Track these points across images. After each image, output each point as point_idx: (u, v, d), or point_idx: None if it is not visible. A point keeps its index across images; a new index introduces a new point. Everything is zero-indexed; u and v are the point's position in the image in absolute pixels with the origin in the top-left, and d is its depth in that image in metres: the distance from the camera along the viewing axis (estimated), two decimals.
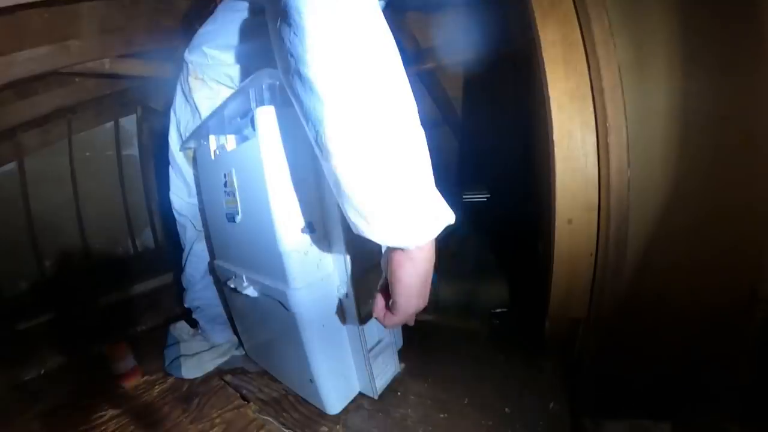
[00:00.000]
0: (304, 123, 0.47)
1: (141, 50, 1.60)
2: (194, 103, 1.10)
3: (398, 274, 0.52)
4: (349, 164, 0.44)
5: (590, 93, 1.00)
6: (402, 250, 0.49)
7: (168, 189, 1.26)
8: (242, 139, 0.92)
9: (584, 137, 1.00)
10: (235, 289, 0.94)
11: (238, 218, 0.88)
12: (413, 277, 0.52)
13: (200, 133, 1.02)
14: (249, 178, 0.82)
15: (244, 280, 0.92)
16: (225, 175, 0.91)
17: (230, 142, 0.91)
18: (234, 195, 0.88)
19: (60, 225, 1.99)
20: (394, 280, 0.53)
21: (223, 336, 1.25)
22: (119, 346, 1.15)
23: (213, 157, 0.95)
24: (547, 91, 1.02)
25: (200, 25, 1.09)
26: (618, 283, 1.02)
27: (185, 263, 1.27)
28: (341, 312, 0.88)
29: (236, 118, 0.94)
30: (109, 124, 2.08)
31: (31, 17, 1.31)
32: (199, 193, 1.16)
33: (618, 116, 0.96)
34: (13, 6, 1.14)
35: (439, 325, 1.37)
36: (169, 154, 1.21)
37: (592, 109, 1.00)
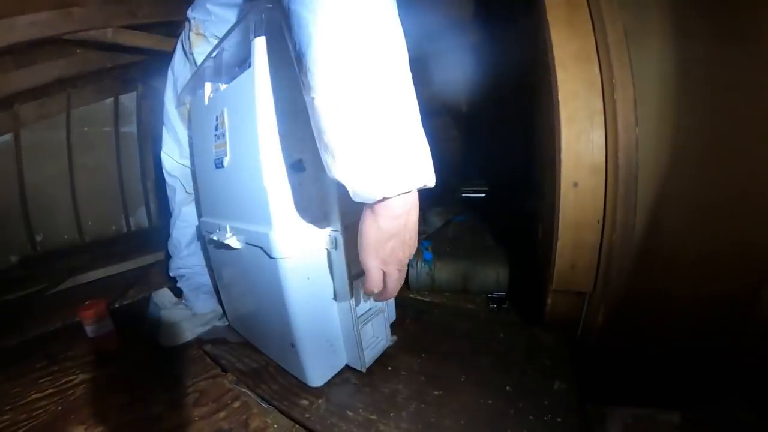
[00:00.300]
0: (291, 54, 0.46)
1: (145, 22, 1.60)
2: (194, 59, 1.08)
3: (360, 228, 0.51)
4: (328, 98, 0.43)
5: (595, 53, 0.96)
6: (369, 204, 0.48)
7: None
8: (237, 71, 0.89)
9: (590, 97, 0.96)
10: (218, 242, 0.89)
11: (227, 160, 0.84)
12: (370, 236, 0.50)
13: (196, 82, 0.99)
14: (240, 114, 0.78)
15: (228, 231, 0.86)
16: (217, 118, 0.87)
17: (225, 76, 0.87)
18: (224, 136, 0.84)
19: (53, 200, 1.96)
20: (358, 234, 0.52)
21: (206, 305, 1.19)
22: (95, 305, 1.08)
23: (207, 102, 0.91)
24: (552, 53, 0.98)
25: None
26: (627, 253, 0.96)
27: (172, 228, 1.22)
28: (329, 266, 0.82)
29: (234, 67, 0.91)
30: (109, 101, 2.06)
31: None
32: (191, 146, 1.12)
33: (624, 73, 0.92)
34: None
35: (434, 302, 1.30)
36: (164, 113, 1.18)
37: (597, 69, 0.96)
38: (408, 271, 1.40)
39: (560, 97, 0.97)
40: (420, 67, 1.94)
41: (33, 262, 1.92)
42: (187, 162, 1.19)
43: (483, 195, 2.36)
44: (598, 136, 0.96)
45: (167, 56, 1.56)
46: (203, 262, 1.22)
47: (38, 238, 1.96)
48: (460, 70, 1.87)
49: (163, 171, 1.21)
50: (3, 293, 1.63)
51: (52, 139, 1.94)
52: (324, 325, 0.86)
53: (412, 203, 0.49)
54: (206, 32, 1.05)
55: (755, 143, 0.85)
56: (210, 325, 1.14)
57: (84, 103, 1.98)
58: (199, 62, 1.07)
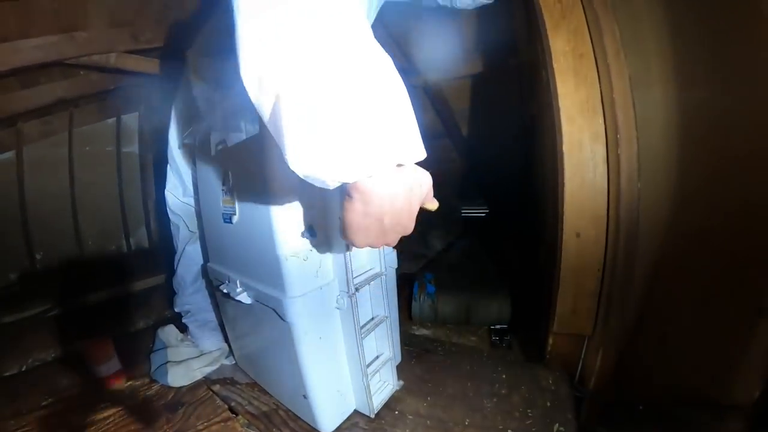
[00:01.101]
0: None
1: (148, 47, 1.58)
2: (195, 100, 1.08)
3: (340, 211, 0.44)
4: (252, 74, 0.36)
5: (600, 104, 0.98)
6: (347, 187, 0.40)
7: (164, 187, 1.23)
8: (245, 135, 0.90)
9: (594, 149, 0.98)
10: (228, 295, 0.90)
11: (235, 218, 0.85)
12: (349, 220, 0.43)
13: (201, 128, 0.99)
14: (250, 177, 0.79)
15: (238, 285, 0.87)
16: (224, 174, 0.88)
17: (232, 138, 0.87)
18: (232, 194, 0.85)
19: (54, 218, 1.95)
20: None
21: (213, 343, 1.20)
22: (103, 345, 1.08)
23: (213, 152, 0.92)
24: (557, 103, 1.00)
25: (205, 23, 1.08)
26: (626, 299, 0.99)
27: (177, 265, 1.23)
28: (340, 324, 0.84)
29: (239, 114, 0.92)
30: (111, 120, 2.05)
31: (39, 5, 1.30)
32: (196, 193, 1.12)
33: (629, 127, 0.94)
34: None
35: (438, 339, 1.33)
36: (168, 151, 1.18)
37: (602, 120, 0.98)
38: (411, 304, 1.42)
39: (565, 148, 0.99)
40: (421, 91, 1.95)
41: (32, 279, 1.91)
42: (190, 200, 1.19)
43: (483, 214, 2.39)
44: (601, 188, 0.98)
45: (170, 78, 1.57)
46: (208, 299, 1.22)
47: (38, 256, 1.95)
48: (461, 95, 1.88)
49: (167, 209, 1.21)
50: (2, 314, 1.62)
51: (54, 157, 1.92)
52: (335, 377, 0.88)
53: (400, 182, 0.40)
54: (205, 75, 1.05)
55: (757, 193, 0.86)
56: (217, 364, 1.16)
57: (86, 122, 1.97)
58: (200, 104, 1.07)
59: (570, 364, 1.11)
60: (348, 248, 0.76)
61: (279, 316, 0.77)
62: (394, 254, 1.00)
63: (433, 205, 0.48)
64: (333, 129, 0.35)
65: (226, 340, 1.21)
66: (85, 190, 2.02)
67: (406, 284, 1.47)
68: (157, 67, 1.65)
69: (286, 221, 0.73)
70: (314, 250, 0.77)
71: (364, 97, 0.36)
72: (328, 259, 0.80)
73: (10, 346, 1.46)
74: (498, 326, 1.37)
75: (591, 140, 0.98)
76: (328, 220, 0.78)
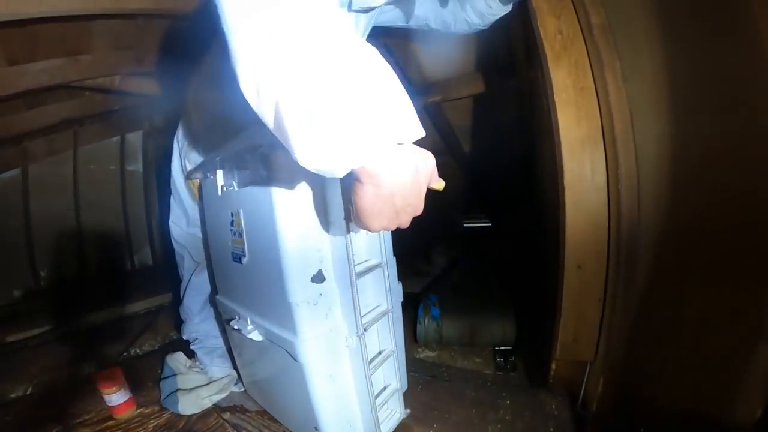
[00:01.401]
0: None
1: (151, 70, 1.60)
2: (195, 132, 1.09)
3: (352, 197, 0.45)
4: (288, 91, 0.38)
5: (602, 138, 1.01)
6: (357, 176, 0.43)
7: (168, 213, 1.23)
8: (252, 176, 0.91)
9: (595, 183, 1.01)
10: (238, 330, 0.92)
11: (245, 260, 0.87)
12: (361, 205, 0.44)
13: (207, 166, 1.01)
14: (259, 223, 0.80)
15: (249, 323, 0.89)
16: (232, 214, 0.90)
17: (239, 177, 0.89)
18: (241, 236, 0.87)
19: (58, 236, 1.97)
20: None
21: (221, 370, 1.22)
22: (112, 374, 1.09)
23: (220, 193, 0.93)
24: (559, 137, 1.03)
25: (209, 53, 1.08)
26: (626, 327, 1.01)
27: (183, 295, 1.24)
28: (349, 361, 0.86)
29: (245, 154, 0.93)
30: (115, 139, 2.07)
31: (45, 31, 1.32)
32: (203, 224, 1.14)
33: (629, 162, 0.97)
34: (29, 19, 1.13)
35: (443, 363, 1.35)
36: (171, 182, 1.19)
37: (603, 154, 1.00)
38: (416, 327, 1.44)
39: (566, 182, 1.02)
40: (422, 110, 1.97)
41: (36, 296, 1.92)
42: (195, 231, 1.20)
43: (485, 226, 2.41)
44: (602, 221, 1.01)
45: (174, 98, 1.58)
46: (216, 327, 1.24)
47: (42, 273, 1.96)
48: (462, 113, 1.90)
49: (172, 239, 1.22)
50: (7, 333, 1.63)
51: (58, 175, 1.94)
52: (345, 410, 0.90)
53: (405, 162, 0.42)
54: (204, 112, 1.07)
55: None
56: (227, 392, 1.17)
57: (91, 140, 1.98)
58: (201, 137, 1.08)
59: (573, 387, 1.14)
60: (355, 288, 0.77)
61: (291, 356, 0.79)
62: (400, 288, 1.02)
63: (439, 184, 0.49)
64: (331, 122, 0.38)
65: (235, 366, 1.22)
66: (89, 208, 2.03)
67: (409, 304, 1.49)
68: (162, 89, 1.66)
69: (297, 268, 0.75)
70: (324, 294, 0.79)
71: (356, 87, 0.39)
72: (336, 300, 0.82)
73: (15, 366, 1.47)
74: (502, 347, 1.39)
75: (592, 174, 1.01)
76: (335, 265, 0.80)
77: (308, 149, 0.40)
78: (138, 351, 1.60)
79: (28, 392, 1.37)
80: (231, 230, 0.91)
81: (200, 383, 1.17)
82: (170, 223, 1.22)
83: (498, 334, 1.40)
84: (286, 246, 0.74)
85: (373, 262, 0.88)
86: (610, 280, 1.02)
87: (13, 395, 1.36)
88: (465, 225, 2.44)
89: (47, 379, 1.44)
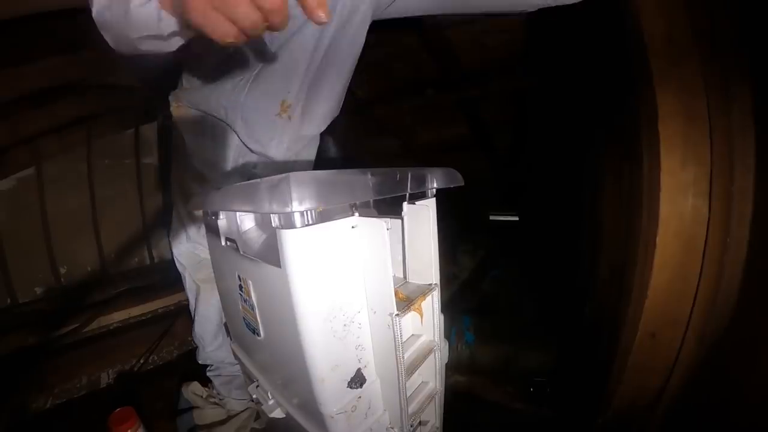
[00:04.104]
0: None
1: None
2: (190, 159, 0.92)
3: None
4: None
5: (708, 191, 0.79)
6: None
7: None
8: (259, 230, 0.72)
9: (692, 243, 0.81)
10: (256, 401, 0.81)
11: (261, 336, 0.72)
12: None
13: (206, 201, 0.81)
14: (274, 306, 0.64)
15: (269, 397, 0.78)
16: (240, 278, 0.74)
17: (243, 239, 0.71)
18: (253, 309, 0.71)
19: (76, 232, 1.90)
20: None
21: (240, 402, 1.15)
22: (127, 416, 1.02)
23: (223, 243, 0.76)
24: (659, 180, 0.81)
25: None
26: (690, 407, 0.90)
27: (194, 322, 1.13)
28: None
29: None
30: (129, 132, 1.95)
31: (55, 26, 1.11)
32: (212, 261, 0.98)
33: (742, 229, 0.77)
34: (36, 14, 0.98)
35: (475, 395, 1.26)
36: (171, 194, 1.02)
37: (707, 212, 0.80)
38: (449, 353, 1.35)
39: (658, 240, 0.82)
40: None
41: (57, 294, 1.88)
42: (194, 247, 1.05)
43: (513, 220, 2.26)
44: (691, 290, 0.83)
45: None
46: (231, 354, 1.15)
47: (62, 271, 1.91)
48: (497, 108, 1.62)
49: (174, 258, 1.09)
50: (30, 334, 1.58)
51: (73, 171, 1.84)
52: None
53: None
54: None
55: None
56: (247, 430, 1.11)
57: (104, 134, 1.86)
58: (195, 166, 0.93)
59: None
60: (403, 392, 0.64)
61: None
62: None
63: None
64: None
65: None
66: (106, 203, 1.94)
67: None
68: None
69: (329, 373, 0.60)
70: (363, 396, 0.65)
71: None
72: (378, 395, 0.69)
73: (35, 377, 1.43)
74: (537, 378, 1.30)
75: (689, 233, 0.81)
76: (377, 358, 0.66)
77: None
78: (155, 358, 1.56)
79: (47, 406, 1.34)
80: (240, 294, 0.75)
81: (218, 418, 1.12)
82: (170, 237, 1.07)
83: (533, 363, 1.31)
84: (313, 351, 0.58)
85: (425, 341, 0.73)
86: (683, 352, 0.88)
87: (34, 405, 1.34)
88: (491, 218, 2.27)
89: (66, 385, 1.42)
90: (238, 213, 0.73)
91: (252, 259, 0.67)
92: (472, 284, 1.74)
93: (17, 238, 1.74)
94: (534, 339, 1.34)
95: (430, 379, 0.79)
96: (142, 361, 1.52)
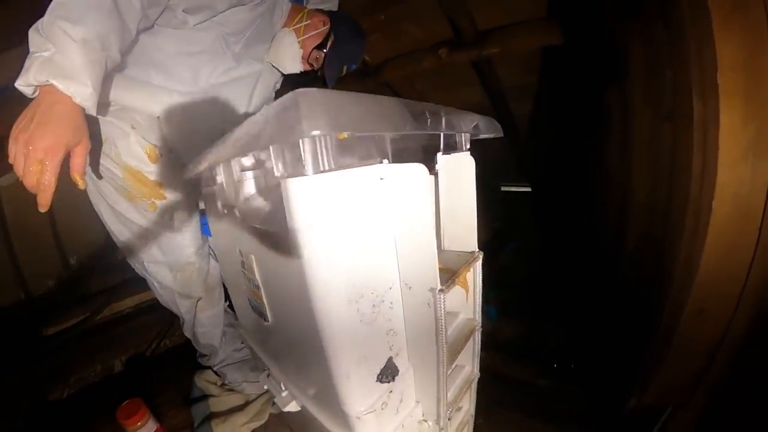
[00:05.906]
0: None
1: None
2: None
3: None
4: None
5: None
6: None
7: None
8: (262, 195, 0.62)
9: (753, 213, 0.72)
10: (269, 392, 0.76)
11: (269, 320, 0.66)
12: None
13: (202, 158, 0.71)
14: (282, 285, 0.56)
15: (283, 389, 0.71)
16: (241, 253, 0.66)
17: (241, 206, 0.60)
18: (258, 288, 0.64)
19: (84, 220, 1.79)
20: None
21: (255, 386, 1.11)
22: (136, 407, 0.99)
23: (221, 211, 0.68)
24: (717, 138, 0.70)
25: None
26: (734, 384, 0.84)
27: (192, 336, 1.08)
28: None
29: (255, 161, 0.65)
30: None
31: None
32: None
33: None
34: None
35: (498, 372, 1.20)
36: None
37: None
38: None
39: (715, 204, 0.72)
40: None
41: (69, 284, 1.86)
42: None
43: (525, 190, 2.17)
44: (745, 262, 0.75)
45: None
46: (239, 342, 1.10)
47: (71, 261, 1.89)
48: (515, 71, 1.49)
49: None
50: (47, 325, 1.57)
51: None
52: None
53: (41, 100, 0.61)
54: None
55: None
56: (265, 417, 1.07)
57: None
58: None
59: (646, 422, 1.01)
60: (444, 381, 0.58)
61: None
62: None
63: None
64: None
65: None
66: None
67: None
68: None
69: (354, 366, 0.52)
70: (395, 390, 0.58)
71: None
72: (411, 384, 0.62)
73: (54, 362, 1.42)
74: (560, 354, 1.26)
75: (748, 201, 0.71)
76: (411, 342, 0.58)
77: None
78: (167, 342, 1.53)
79: (64, 396, 1.33)
80: (243, 272, 0.68)
81: (235, 404, 1.08)
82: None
83: (556, 339, 1.26)
84: (336, 342, 0.49)
85: (463, 321, 0.66)
86: (731, 330, 0.81)
87: (52, 397, 1.33)
88: (503, 188, 2.19)
89: (80, 374, 1.41)
90: (237, 174, 0.61)
91: (255, 228, 0.57)
92: (488, 257, 1.68)
93: (26, 233, 1.72)
94: (556, 313, 1.28)
95: (466, 362, 0.73)
96: (153, 346, 1.49)
